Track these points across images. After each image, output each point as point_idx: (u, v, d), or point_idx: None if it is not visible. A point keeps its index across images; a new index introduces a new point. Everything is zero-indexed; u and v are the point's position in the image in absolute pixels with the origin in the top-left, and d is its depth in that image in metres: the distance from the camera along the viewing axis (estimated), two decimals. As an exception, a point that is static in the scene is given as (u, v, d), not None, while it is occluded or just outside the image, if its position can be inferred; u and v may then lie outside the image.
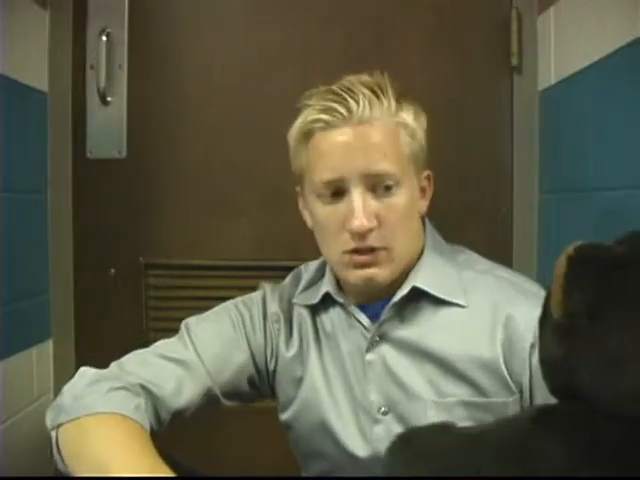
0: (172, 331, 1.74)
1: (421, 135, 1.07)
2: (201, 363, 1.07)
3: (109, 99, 1.75)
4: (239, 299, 1.18)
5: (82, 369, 1.04)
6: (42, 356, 1.70)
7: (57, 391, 1.73)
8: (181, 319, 1.74)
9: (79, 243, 1.77)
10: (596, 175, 1.36)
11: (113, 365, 1.06)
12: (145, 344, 1.74)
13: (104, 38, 1.73)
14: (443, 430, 0.68)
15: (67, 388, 1.02)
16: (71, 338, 1.77)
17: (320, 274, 1.16)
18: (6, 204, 1.50)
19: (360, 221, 0.99)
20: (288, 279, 1.21)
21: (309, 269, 1.19)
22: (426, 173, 1.10)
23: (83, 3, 1.74)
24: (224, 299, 1.69)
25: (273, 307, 1.16)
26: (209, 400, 1.08)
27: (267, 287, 1.19)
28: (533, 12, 1.69)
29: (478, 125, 1.76)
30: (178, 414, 1.04)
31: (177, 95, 1.78)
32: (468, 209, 1.72)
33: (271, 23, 1.76)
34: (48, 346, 1.74)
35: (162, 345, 1.11)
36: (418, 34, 1.75)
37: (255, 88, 1.75)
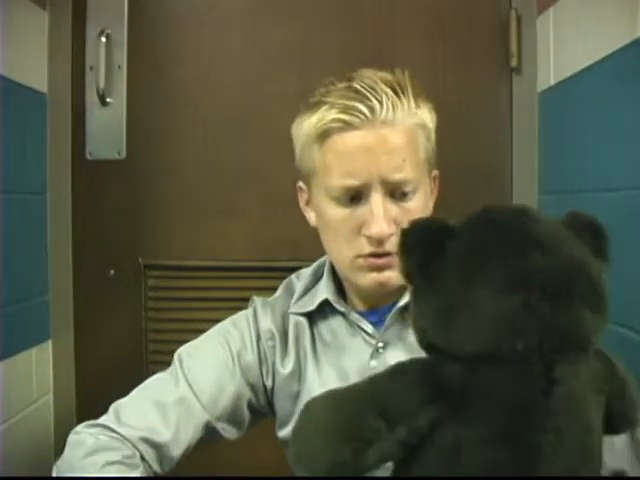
0: (171, 332, 1.76)
1: (434, 135, 1.04)
2: (196, 398, 1.05)
3: (108, 100, 1.75)
4: (229, 320, 1.14)
5: (78, 437, 1.01)
6: (41, 357, 1.70)
7: (56, 392, 1.76)
8: (180, 320, 1.76)
9: (78, 244, 1.77)
10: (595, 176, 1.36)
11: (111, 412, 1.04)
12: (144, 345, 1.76)
13: (103, 39, 1.73)
14: (328, 393, 0.77)
15: (66, 454, 1.00)
16: (70, 339, 1.77)
17: (315, 279, 1.13)
18: (6, 205, 1.50)
19: (380, 227, 0.96)
20: (279, 291, 1.16)
21: (302, 276, 1.16)
22: (434, 173, 1.08)
23: (82, 4, 1.74)
24: (223, 300, 1.70)
25: (266, 324, 1.11)
26: (209, 433, 1.06)
27: (258, 302, 1.15)
28: (532, 13, 1.69)
29: (478, 126, 1.76)
30: (181, 455, 1.03)
31: (176, 96, 1.78)
32: (468, 210, 1.72)
33: (271, 24, 1.76)
34: (47, 347, 1.74)
35: (157, 385, 1.08)
36: (417, 35, 1.75)
37: (255, 89, 1.76)
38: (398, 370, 0.73)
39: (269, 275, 1.64)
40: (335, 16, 1.75)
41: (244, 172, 1.76)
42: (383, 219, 0.96)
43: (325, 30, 1.75)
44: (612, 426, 0.75)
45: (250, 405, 1.10)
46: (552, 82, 1.58)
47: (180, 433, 1.02)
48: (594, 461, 0.71)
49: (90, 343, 1.77)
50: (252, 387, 1.09)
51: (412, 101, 1.00)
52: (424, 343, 0.74)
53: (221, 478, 1.45)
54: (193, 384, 1.05)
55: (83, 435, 1.01)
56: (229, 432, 1.08)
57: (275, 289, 1.18)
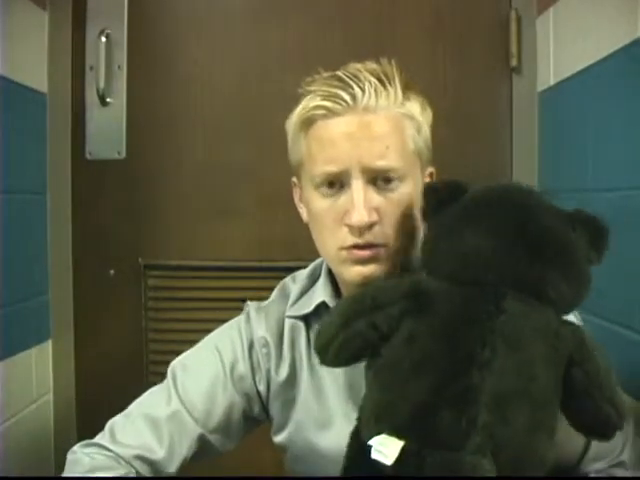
0: (171, 332, 1.76)
1: (427, 129, 1.03)
2: (188, 413, 1.05)
3: (108, 100, 1.75)
4: (221, 329, 1.13)
5: (74, 457, 1.02)
6: (41, 357, 1.70)
7: (56, 392, 1.76)
8: (180, 320, 1.77)
9: (78, 244, 1.77)
10: (595, 176, 1.36)
11: (106, 431, 1.04)
12: (144, 345, 1.76)
13: (103, 39, 1.73)
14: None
15: (65, 474, 1.01)
16: (70, 339, 1.77)
17: (312, 281, 1.11)
18: (6, 205, 1.50)
19: (360, 215, 0.94)
20: (274, 295, 1.15)
21: (298, 279, 1.14)
22: (429, 170, 1.05)
23: (82, 4, 1.74)
24: (223, 300, 1.70)
25: (260, 331, 1.10)
26: (203, 447, 1.06)
27: (252, 307, 1.13)
28: (532, 13, 1.69)
29: (478, 126, 1.76)
30: (177, 469, 1.04)
31: (176, 96, 1.78)
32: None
33: (271, 24, 1.76)
34: (47, 347, 1.74)
35: (150, 401, 1.08)
36: (417, 35, 1.75)
37: (254, 89, 1.76)
38: (392, 276, 0.93)
39: (269, 275, 1.64)
40: (335, 16, 1.75)
41: (244, 172, 1.76)
42: (364, 207, 0.94)
43: (325, 30, 1.75)
44: (575, 403, 0.81)
45: (245, 415, 1.09)
46: (552, 82, 1.58)
47: (174, 449, 1.03)
48: (533, 409, 0.77)
49: (90, 343, 1.77)
50: (246, 397, 1.09)
51: (399, 91, 0.99)
52: (422, 263, 0.91)
53: (221, 478, 1.45)
54: (185, 399, 1.05)
55: (79, 455, 1.02)
56: (224, 444, 1.08)
57: (274, 289, 1.17)
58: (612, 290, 1.28)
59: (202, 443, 1.06)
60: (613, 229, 1.28)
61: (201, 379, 1.07)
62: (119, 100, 1.76)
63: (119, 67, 1.75)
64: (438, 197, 0.91)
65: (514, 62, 1.72)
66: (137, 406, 1.07)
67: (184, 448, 1.04)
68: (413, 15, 1.75)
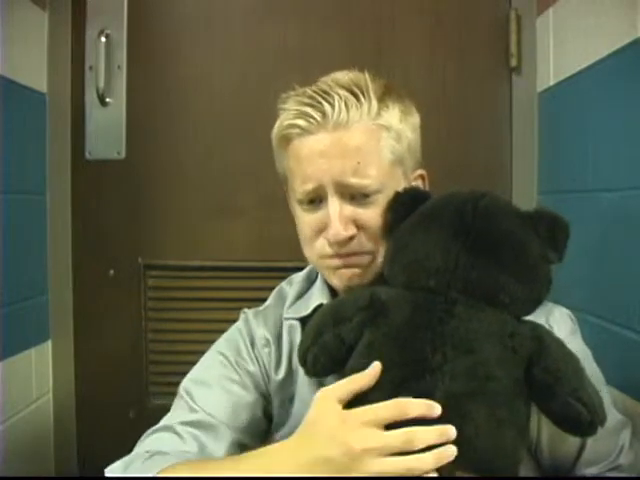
0: (170, 332, 1.76)
1: (410, 135, 1.02)
2: (217, 420, 1.01)
3: (108, 100, 1.75)
4: (222, 340, 1.12)
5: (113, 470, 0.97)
6: (41, 357, 1.70)
7: (56, 392, 1.76)
8: (180, 320, 1.77)
9: (78, 244, 1.77)
10: (595, 176, 1.36)
11: (136, 448, 1.00)
12: (144, 345, 1.76)
13: (103, 39, 1.73)
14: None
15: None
16: (70, 339, 1.77)
17: (308, 284, 1.12)
18: (5, 205, 1.50)
19: (336, 230, 0.96)
20: (270, 299, 1.16)
21: (294, 282, 1.15)
22: (418, 173, 1.05)
23: (82, 4, 1.74)
24: (223, 300, 1.70)
25: (260, 331, 1.10)
26: (238, 451, 1.02)
27: (249, 313, 1.14)
28: (532, 13, 1.70)
29: (477, 126, 1.76)
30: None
31: (176, 96, 1.78)
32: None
33: (270, 25, 1.76)
34: (47, 347, 1.74)
35: (171, 418, 1.04)
36: (417, 35, 1.75)
37: (254, 89, 1.75)
38: (353, 291, 0.95)
39: (269, 275, 1.64)
40: (335, 16, 1.75)
41: (244, 172, 1.75)
42: (339, 222, 0.96)
43: (325, 30, 1.75)
44: (542, 401, 0.83)
45: (266, 413, 1.09)
46: (552, 82, 1.58)
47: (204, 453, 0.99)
48: (494, 406, 0.80)
49: (90, 343, 1.77)
50: (263, 396, 1.08)
51: (374, 102, 0.98)
52: (384, 275, 0.94)
53: (221, 478, 1.45)
54: (210, 410, 1.02)
55: (117, 466, 0.97)
56: (255, 445, 1.05)
57: (272, 292, 1.18)
58: (612, 290, 1.29)
59: (236, 447, 1.02)
60: (613, 229, 1.28)
61: (216, 385, 1.05)
62: (119, 100, 1.76)
63: (119, 67, 1.75)
64: (397, 215, 0.95)
65: (514, 62, 1.72)
66: (161, 426, 1.03)
67: (222, 451, 1.00)
68: (413, 15, 1.75)
